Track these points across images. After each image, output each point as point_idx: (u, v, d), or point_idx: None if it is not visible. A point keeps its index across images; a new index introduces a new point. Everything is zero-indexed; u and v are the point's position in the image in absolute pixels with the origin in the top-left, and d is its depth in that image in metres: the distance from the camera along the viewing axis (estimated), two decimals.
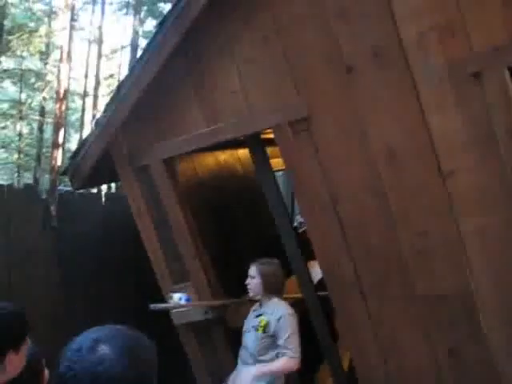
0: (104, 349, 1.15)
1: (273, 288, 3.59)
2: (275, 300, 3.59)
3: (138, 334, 1.27)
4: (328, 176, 3.59)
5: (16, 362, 1.84)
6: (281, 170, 6.77)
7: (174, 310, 4.23)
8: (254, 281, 3.60)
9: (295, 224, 7.71)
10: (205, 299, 4.25)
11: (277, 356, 3.42)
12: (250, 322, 3.65)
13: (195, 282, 4.28)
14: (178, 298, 4.20)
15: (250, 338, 3.56)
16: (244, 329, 3.70)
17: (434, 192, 3.33)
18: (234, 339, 4.25)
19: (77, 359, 1.14)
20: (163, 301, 4.36)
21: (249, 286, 3.64)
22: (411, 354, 3.58)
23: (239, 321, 4.51)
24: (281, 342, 3.41)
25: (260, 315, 3.56)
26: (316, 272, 4.64)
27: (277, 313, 3.47)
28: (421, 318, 3.51)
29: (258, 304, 3.70)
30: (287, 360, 3.37)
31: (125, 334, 1.24)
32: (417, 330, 3.54)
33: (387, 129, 3.39)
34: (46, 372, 2.26)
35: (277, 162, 5.20)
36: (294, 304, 4.72)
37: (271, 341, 3.45)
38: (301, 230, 6.52)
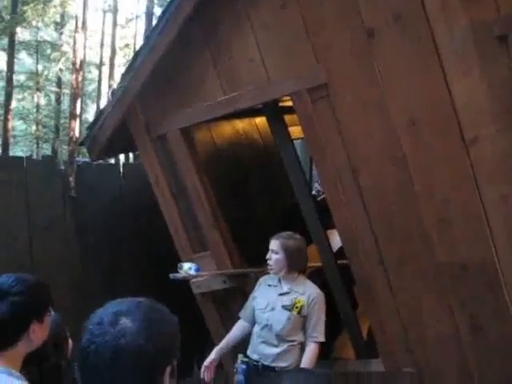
0: (125, 322, 1.15)
1: (297, 265, 3.38)
2: (301, 279, 3.41)
3: (159, 307, 1.26)
4: (348, 144, 3.53)
5: (40, 332, 1.86)
6: (299, 138, 6.71)
7: (193, 280, 4.25)
8: (276, 256, 3.36)
9: (313, 192, 7.66)
10: (224, 268, 4.26)
11: (303, 336, 3.30)
12: (274, 299, 3.38)
13: (214, 252, 4.29)
14: (187, 267, 4.20)
15: (278, 318, 3.32)
16: (262, 305, 3.43)
17: (456, 160, 3.25)
18: None
19: (98, 333, 1.14)
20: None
21: (270, 262, 3.40)
22: (432, 325, 3.55)
23: None
24: (310, 324, 3.30)
25: (286, 293, 3.36)
26: (335, 240, 4.62)
27: (309, 293, 3.32)
28: (443, 289, 3.47)
29: (275, 279, 3.46)
30: (315, 346, 3.28)
31: (146, 306, 1.23)
32: (438, 301, 3.50)
33: (408, 96, 3.30)
34: (70, 341, 2.29)
35: (295, 130, 5.15)
36: (313, 273, 4.75)
37: (302, 322, 3.31)
38: (320, 198, 6.49)
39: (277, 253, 3.36)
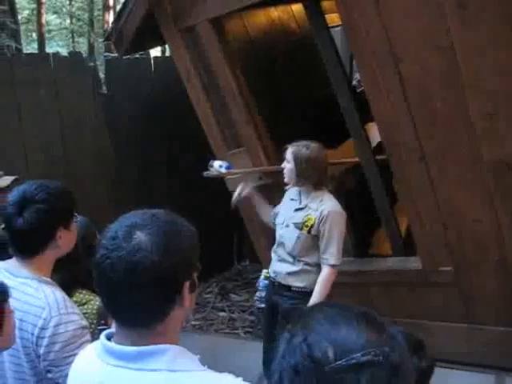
0: (140, 236, 1.10)
1: (309, 176, 3.12)
2: (320, 193, 3.16)
3: (176, 219, 1.20)
4: (389, 31, 3.23)
5: (67, 239, 1.85)
6: (338, 26, 6.34)
7: (228, 177, 4.20)
8: (288, 166, 3.16)
9: (354, 83, 7.34)
10: (259, 165, 4.18)
11: (318, 257, 3.14)
12: (289, 215, 3.23)
13: (249, 148, 4.20)
14: (218, 165, 4.12)
15: (290, 236, 3.19)
16: (280, 221, 3.30)
17: (508, 47, 2.95)
18: None
19: (113, 248, 1.10)
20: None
21: (284, 171, 3.21)
22: (473, 223, 3.44)
23: None
24: (322, 245, 3.09)
25: (301, 209, 3.17)
26: (374, 135, 4.46)
27: (321, 210, 3.08)
28: (485, 186, 3.30)
29: (296, 193, 3.27)
30: (327, 270, 3.09)
31: (161, 219, 1.16)
32: (480, 199, 3.36)
33: None
34: None
35: (334, 17, 4.88)
36: (351, 169, 4.64)
37: (314, 241, 3.12)
38: (359, 90, 6.22)
39: (288, 162, 3.16)
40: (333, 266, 3.09)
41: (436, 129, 3.33)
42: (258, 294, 3.47)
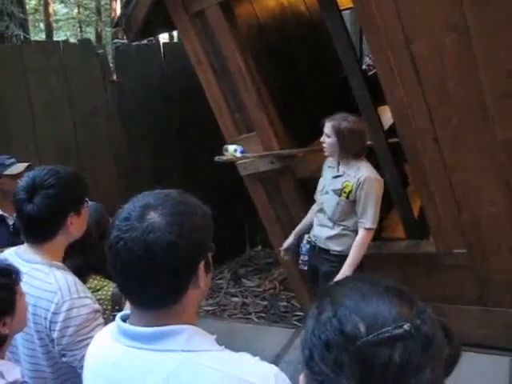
0: (153, 216, 1.09)
1: (351, 148, 3.21)
2: (357, 161, 3.25)
3: (189, 199, 1.18)
4: (401, 10, 3.19)
5: (78, 225, 1.84)
6: (348, 9, 6.29)
7: (240, 162, 4.18)
8: (329, 140, 3.22)
9: (364, 67, 7.29)
10: (270, 149, 4.15)
11: (355, 222, 3.25)
12: (328, 182, 3.35)
13: (260, 132, 4.17)
14: (233, 149, 4.11)
15: (330, 202, 3.31)
16: (320, 188, 3.43)
17: None
18: (302, 188, 4.21)
19: (126, 229, 1.09)
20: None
21: (324, 145, 3.28)
22: (487, 205, 3.40)
23: (307, 170, 4.45)
24: (359, 209, 3.19)
25: (339, 176, 3.28)
26: (386, 118, 4.42)
27: (358, 176, 3.18)
28: (500, 168, 3.27)
29: (334, 161, 3.37)
30: (363, 232, 3.20)
31: (175, 199, 1.15)
32: (495, 181, 3.32)
33: None
34: None
35: (342, 0, 4.81)
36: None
37: (352, 206, 3.23)
38: (370, 73, 6.17)
39: (329, 136, 3.22)
40: (368, 229, 3.20)
41: (450, 110, 3.28)
42: (301, 257, 3.57)
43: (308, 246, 3.52)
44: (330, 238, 3.34)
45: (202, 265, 1.13)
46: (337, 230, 3.32)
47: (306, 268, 3.58)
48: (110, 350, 1.17)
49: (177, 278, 1.10)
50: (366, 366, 0.79)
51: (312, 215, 3.61)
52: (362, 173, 3.19)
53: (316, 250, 3.45)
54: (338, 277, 2.98)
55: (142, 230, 1.07)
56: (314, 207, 3.60)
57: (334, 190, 3.28)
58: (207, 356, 1.10)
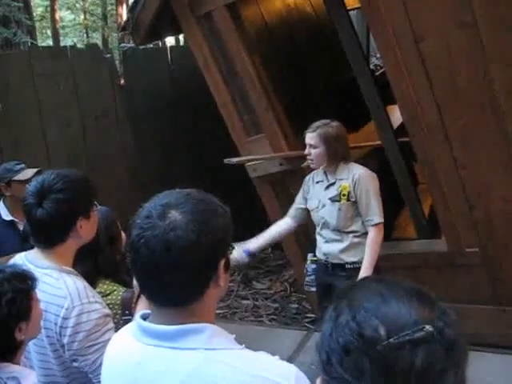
0: (174, 215, 1.09)
1: (339, 154, 3.12)
2: (345, 164, 3.17)
3: (209, 198, 1.19)
4: (409, 8, 3.18)
5: (87, 228, 1.84)
6: (356, 9, 6.26)
7: (249, 163, 4.17)
8: (316, 150, 3.12)
9: (371, 67, 7.26)
10: (279, 151, 4.14)
11: (363, 224, 3.15)
12: (322, 195, 3.23)
13: (268, 134, 4.16)
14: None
15: (330, 212, 3.19)
16: (313, 204, 3.29)
17: None
18: None
19: (147, 227, 1.08)
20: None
21: (309, 157, 3.17)
22: (500, 202, 3.36)
23: None
24: (363, 208, 3.10)
25: (331, 184, 3.19)
26: (395, 117, 4.40)
27: (352, 175, 3.11)
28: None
29: (320, 174, 3.27)
30: (374, 230, 3.09)
31: (195, 198, 1.15)
32: (507, 176, 3.29)
33: None
34: (123, 234, 2.26)
35: (348, 0, 4.78)
36: (372, 152, 4.58)
37: (354, 208, 3.13)
38: (378, 73, 6.15)
39: (316, 147, 3.12)
40: (377, 224, 3.11)
41: (460, 107, 3.26)
42: (307, 278, 3.47)
43: (314, 266, 3.41)
44: (343, 250, 3.21)
45: (222, 264, 1.13)
46: (348, 240, 3.19)
47: (313, 289, 3.47)
48: (130, 348, 1.17)
49: (198, 276, 1.10)
50: (388, 372, 0.76)
51: (274, 230, 3.48)
52: (354, 171, 3.13)
53: (329, 269, 3.29)
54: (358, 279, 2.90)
55: (163, 228, 1.07)
56: (280, 221, 3.49)
57: (330, 199, 3.19)
58: (229, 354, 1.10)
